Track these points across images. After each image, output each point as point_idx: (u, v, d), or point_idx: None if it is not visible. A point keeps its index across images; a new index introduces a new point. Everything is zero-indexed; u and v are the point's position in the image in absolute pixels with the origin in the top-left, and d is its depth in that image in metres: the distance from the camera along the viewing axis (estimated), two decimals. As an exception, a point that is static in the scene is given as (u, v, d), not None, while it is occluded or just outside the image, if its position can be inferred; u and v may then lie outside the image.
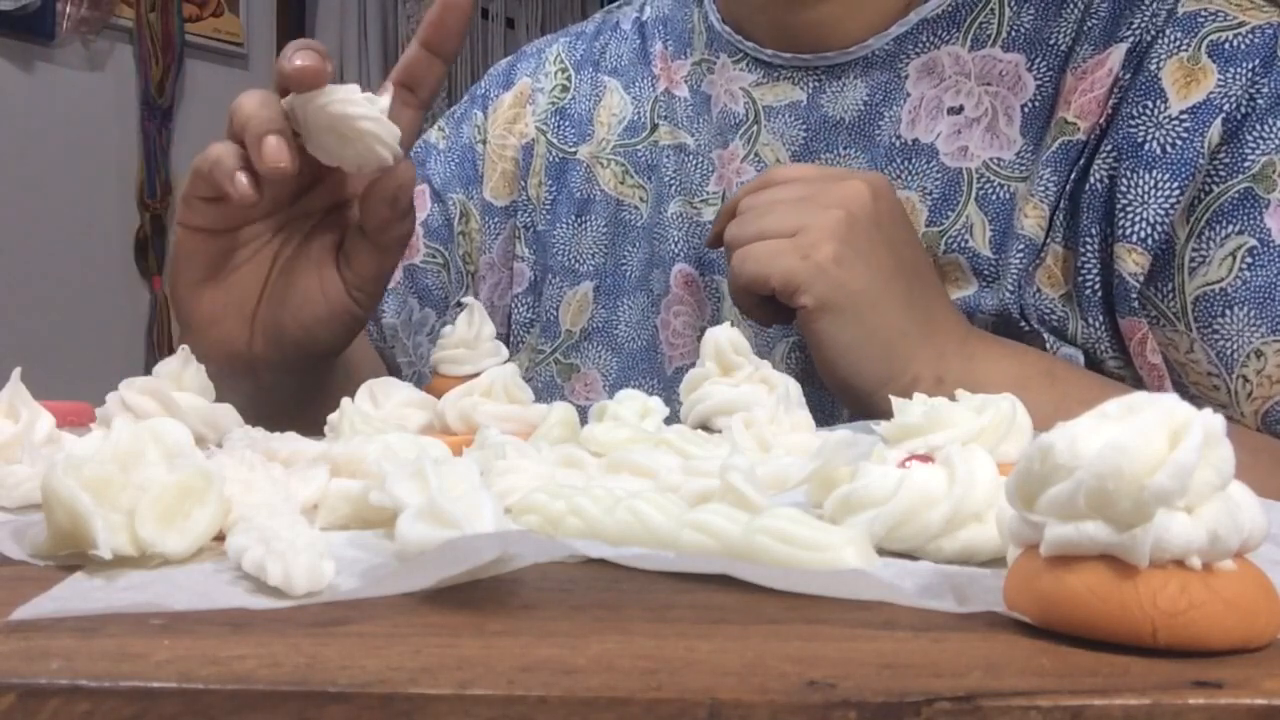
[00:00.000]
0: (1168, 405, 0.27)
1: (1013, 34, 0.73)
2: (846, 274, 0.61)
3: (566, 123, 0.88)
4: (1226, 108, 0.65)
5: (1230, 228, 0.65)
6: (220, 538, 0.34)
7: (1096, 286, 0.68)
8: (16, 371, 0.46)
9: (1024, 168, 0.71)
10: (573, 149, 0.87)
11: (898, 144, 0.74)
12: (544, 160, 0.87)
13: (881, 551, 0.35)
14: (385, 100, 0.62)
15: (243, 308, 0.67)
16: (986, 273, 0.70)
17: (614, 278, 0.83)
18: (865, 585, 0.30)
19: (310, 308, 0.66)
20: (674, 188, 0.82)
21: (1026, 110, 0.71)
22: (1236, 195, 0.65)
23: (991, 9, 0.73)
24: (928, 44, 0.74)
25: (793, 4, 0.75)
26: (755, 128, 0.78)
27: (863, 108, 0.75)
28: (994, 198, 0.71)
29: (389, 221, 0.64)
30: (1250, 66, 0.65)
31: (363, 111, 0.59)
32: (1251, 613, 0.26)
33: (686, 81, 0.83)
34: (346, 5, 3.13)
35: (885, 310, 0.62)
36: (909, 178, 0.73)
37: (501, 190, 0.89)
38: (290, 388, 0.69)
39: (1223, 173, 0.65)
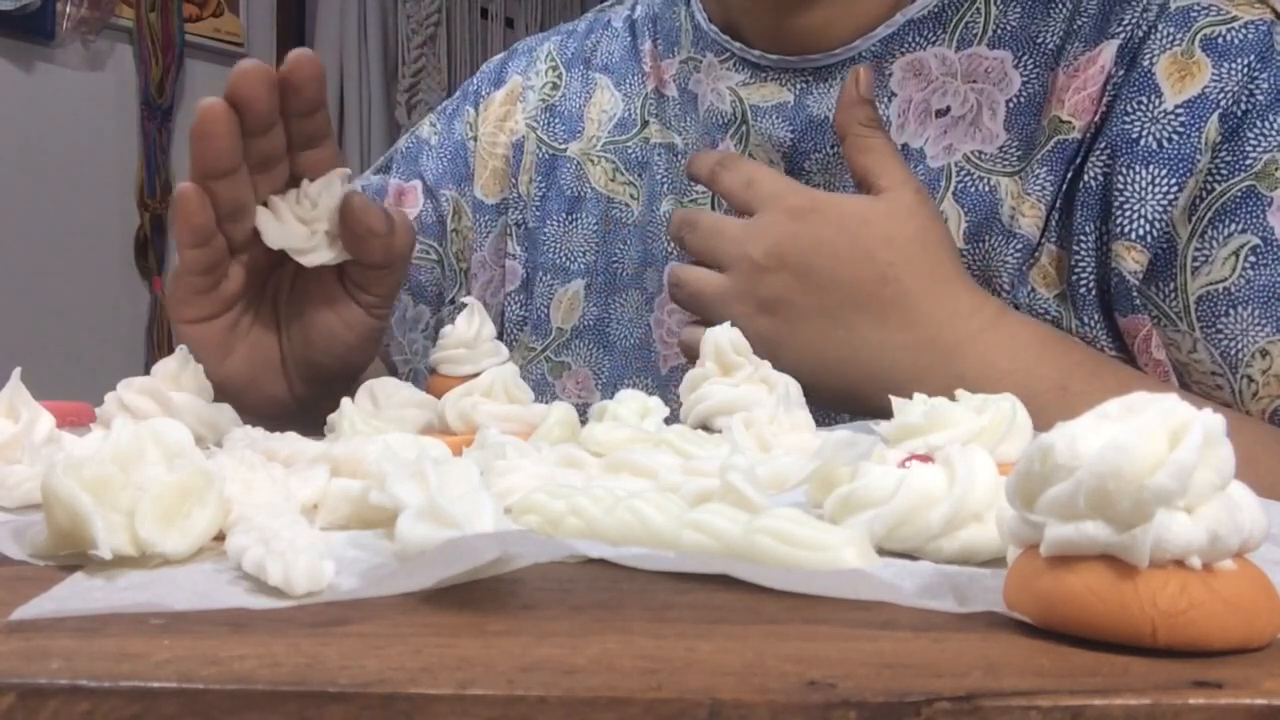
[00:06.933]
0: (1168, 405, 0.27)
1: (999, 32, 0.72)
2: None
3: (556, 120, 0.88)
4: (1224, 103, 0.65)
5: (1233, 226, 0.65)
6: (220, 538, 0.34)
7: (1091, 285, 0.68)
8: (16, 371, 0.46)
9: (1009, 163, 0.71)
10: (563, 145, 0.87)
11: None
12: (534, 157, 0.87)
13: (881, 551, 0.35)
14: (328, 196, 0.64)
15: (269, 364, 0.69)
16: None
17: (605, 275, 0.83)
18: (865, 585, 0.30)
19: (338, 339, 0.68)
20: (665, 186, 0.82)
21: (1011, 105, 0.71)
22: (1239, 194, 0.65)
23: (978, 8, 0.73)
24: (913, 44, 0.74)
25: (780, 9, 0.75)
26: (745, 127, 0.78)
27: None
28: (972, 190, 0.71)
29: (380, 251, 0.65)
30: (1245, 62, 0.65)
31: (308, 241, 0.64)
32: (1251, 613, 0.26)
33: (675, 80, 0.83)
34: (346, 5, 3.13)
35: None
36: None
37: (492, 188, 0.89)
38: (329, 400, 0.70)
39: (1225, 171, 0.65)
